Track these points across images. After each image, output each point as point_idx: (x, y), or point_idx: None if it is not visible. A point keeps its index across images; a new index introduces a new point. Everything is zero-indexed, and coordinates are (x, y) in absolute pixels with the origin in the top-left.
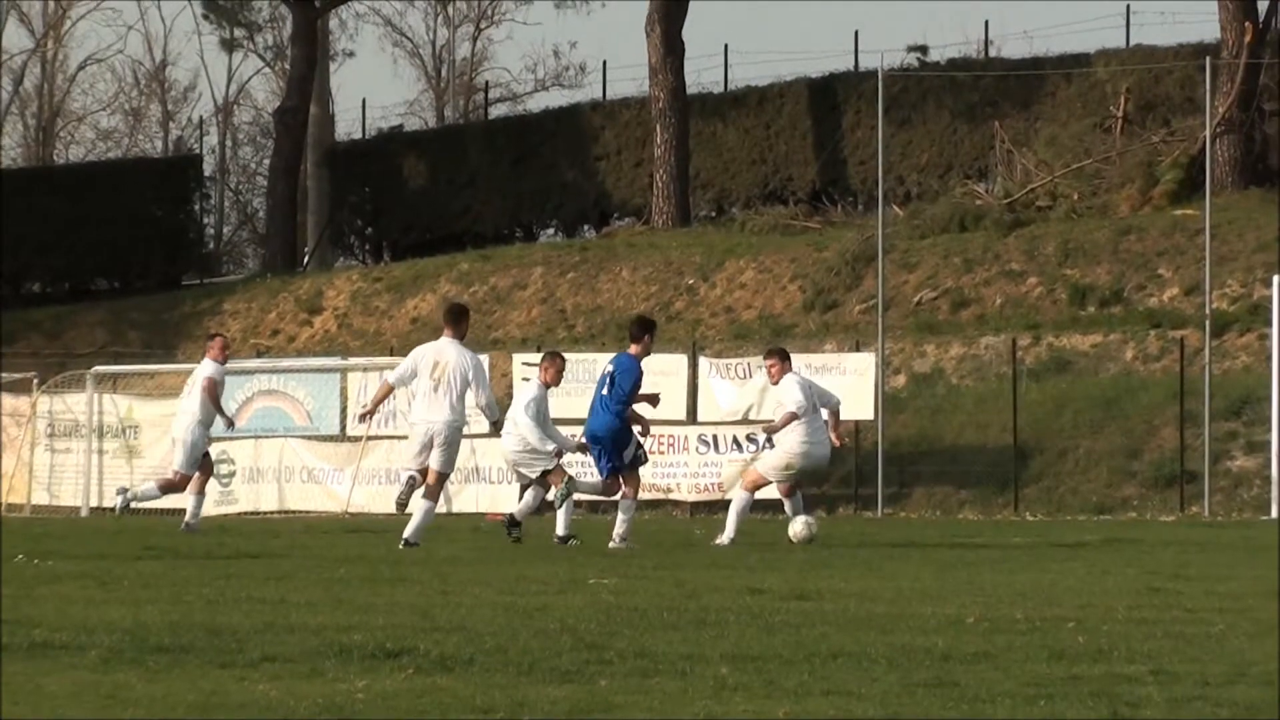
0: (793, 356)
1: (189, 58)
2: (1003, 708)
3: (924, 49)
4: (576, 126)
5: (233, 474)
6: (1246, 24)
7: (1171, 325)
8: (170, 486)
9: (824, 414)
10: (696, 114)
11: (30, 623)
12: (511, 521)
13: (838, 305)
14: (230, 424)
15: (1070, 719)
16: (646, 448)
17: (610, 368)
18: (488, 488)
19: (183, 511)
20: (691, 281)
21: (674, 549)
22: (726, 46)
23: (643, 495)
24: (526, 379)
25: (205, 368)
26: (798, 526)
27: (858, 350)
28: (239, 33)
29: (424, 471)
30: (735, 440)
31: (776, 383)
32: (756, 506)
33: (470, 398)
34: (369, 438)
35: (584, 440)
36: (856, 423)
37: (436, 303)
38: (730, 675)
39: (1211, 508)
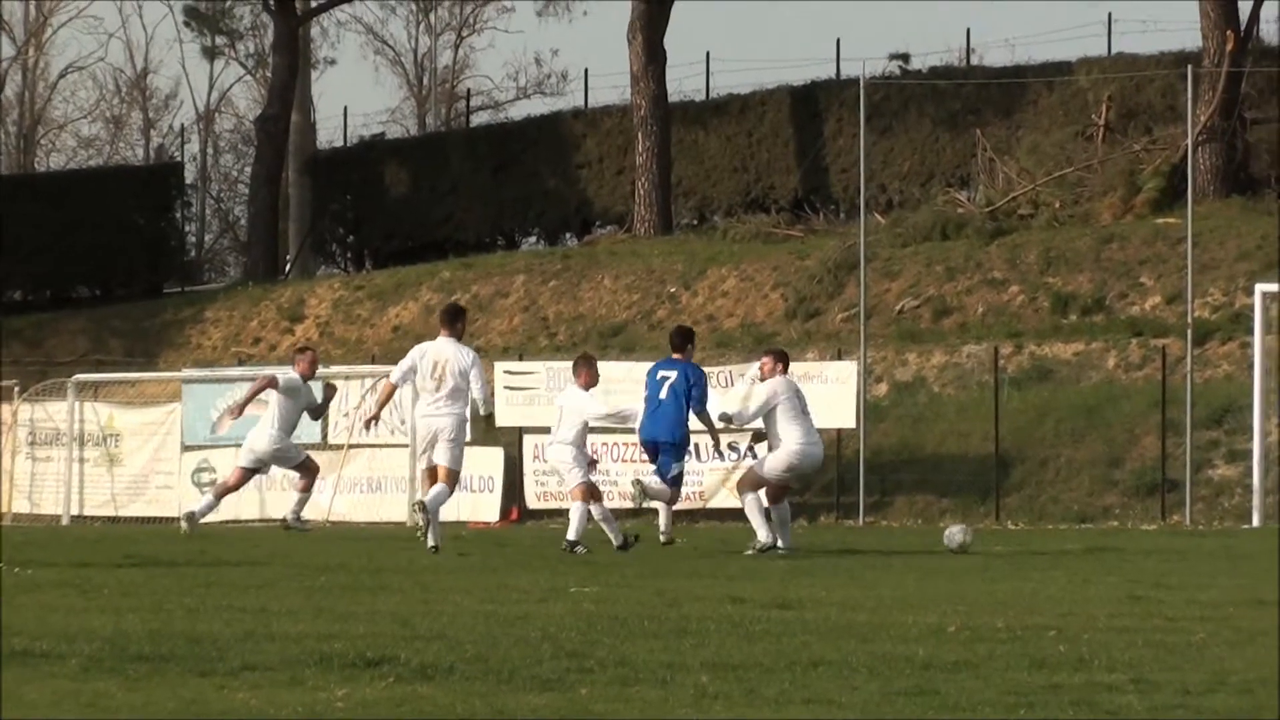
0: None
1: (170, 65)
2: (983, 716)
3: (906, 57)
4: (558, 134)
5: (214, 482)
6: (1228, 32)
7: (1153, 334)
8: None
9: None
10: (678, 122)
11: (10, 631)
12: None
13: (820, 313)
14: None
15: None
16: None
17: (671, 374)
18: (469, 496)
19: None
20: (673, 290)
21: (655, 557)
22: (708, 54)
23: (620, 503)
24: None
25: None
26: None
27: (839, 359)
28: (220, 40)
29: (432, 471)
30: (717, 449)
31: (762, 380)
32: (732, 514)
33: (472, 392)
34: (350, 446)
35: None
36: (839, 431)
37: (419, 311)
38: (711, 683)
39: (1193, 516)
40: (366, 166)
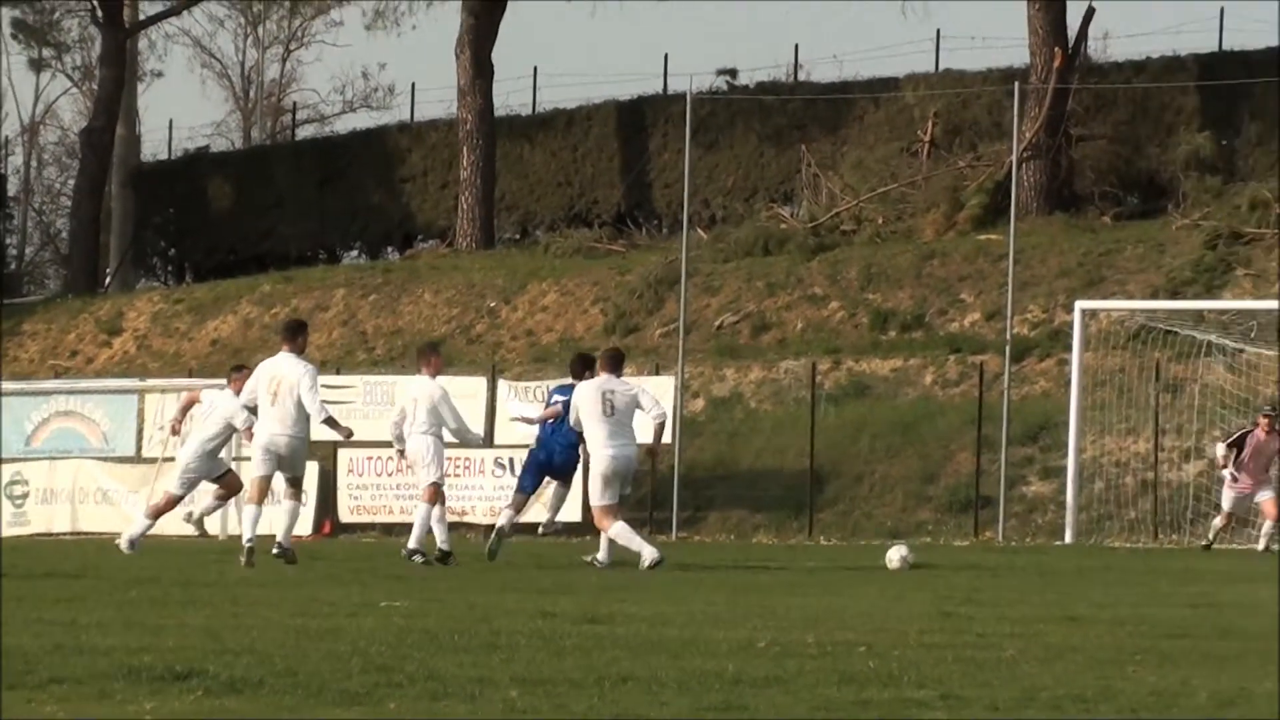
0: None
1: None
2: None
3: (733, 72)
4: (383, 148)
5: (26, 495)
6: (1056, 49)
7: (972, 350)
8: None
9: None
10: (504, 136)
11: None
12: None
13: (639, 329)
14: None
15: None
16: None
17: (566, 397)
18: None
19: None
20: (493, 304)
21: (468, 572)
22: (536, 69)
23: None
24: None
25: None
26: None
27: (657, 374)
28: (47, 52)
29: (265, 480)
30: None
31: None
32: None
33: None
34: (164, 459)
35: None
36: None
37: (237, 324)
38: (519, 698)
39: (1005, 533)
40: (190, 179)
